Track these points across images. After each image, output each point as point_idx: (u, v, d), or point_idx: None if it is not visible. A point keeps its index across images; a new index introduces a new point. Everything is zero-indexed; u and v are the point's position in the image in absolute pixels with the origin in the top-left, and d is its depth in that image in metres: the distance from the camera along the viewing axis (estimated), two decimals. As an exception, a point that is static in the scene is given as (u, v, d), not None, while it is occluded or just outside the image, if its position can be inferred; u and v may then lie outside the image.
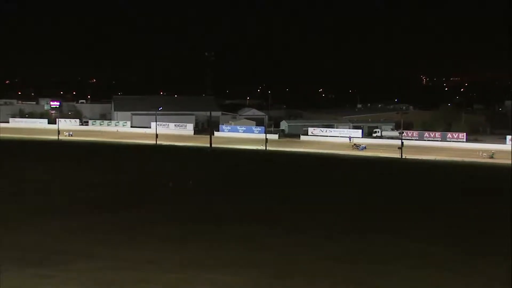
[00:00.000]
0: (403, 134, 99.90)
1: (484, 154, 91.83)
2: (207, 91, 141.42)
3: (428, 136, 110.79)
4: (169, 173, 66.56)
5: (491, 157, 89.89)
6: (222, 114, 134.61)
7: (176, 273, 31.02)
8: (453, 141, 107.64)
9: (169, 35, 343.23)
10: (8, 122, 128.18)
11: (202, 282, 29.88)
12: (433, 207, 51.59)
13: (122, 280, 29.82)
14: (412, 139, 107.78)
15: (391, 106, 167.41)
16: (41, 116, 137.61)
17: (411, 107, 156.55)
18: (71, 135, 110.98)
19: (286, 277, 31.00)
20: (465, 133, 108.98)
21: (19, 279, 29.53)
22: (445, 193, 59.04)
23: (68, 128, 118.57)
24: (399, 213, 48.79)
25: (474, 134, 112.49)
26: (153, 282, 29.72)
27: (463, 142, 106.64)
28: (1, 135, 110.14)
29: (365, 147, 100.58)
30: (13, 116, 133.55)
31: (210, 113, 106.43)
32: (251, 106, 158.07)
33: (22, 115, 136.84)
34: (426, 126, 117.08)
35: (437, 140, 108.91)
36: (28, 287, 28.57)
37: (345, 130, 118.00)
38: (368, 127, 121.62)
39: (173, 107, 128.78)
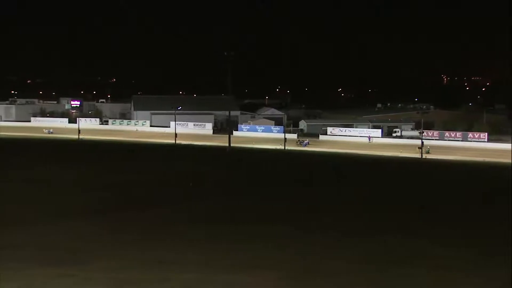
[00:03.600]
0: (423, 134, 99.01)
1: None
2: (227, 90, 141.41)
3: (448, 136, 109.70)
4: (188, 173, 66.71)
5: (428, 153, 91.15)
6: (241, 113, 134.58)
7: (194, 273, 31.04)
8: (474, 141, 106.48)
9: (189, 35, 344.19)
10: (29, 121, 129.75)
11: (220, 282, 29.85)
12: (450, 207, 51.08)
13: (141, 279, 29.92)
14: (433, 139, 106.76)
15: (411, 106, 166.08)
16: (62, 115, 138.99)
17: (431, 106, 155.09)
18: (51, 133, 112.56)
19: (303, 277, 30.85)
20: (486, 133, 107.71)
21: (40, 278, 29.80)
22: (462, 193, 58.36)
23: (88, 127, 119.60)
24: (416, 213, 48.36)
25: (495, 134, 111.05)
26: (172, 282, 29.78)
27: (485, 142, 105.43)
28: (23, 134, 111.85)
29: (308, 142, 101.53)
30: (35, 115, 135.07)
31: (229, 113, 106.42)
32: (270, 105, 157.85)
33: (43, 114, 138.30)
34: (447, 126, 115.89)
35: (458, 140, 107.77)
36: (49, 286, 28.78)
37: (365, 129, 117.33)
38: (388, 126, 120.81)
39: (192, 107, 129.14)
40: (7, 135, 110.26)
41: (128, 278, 30.01)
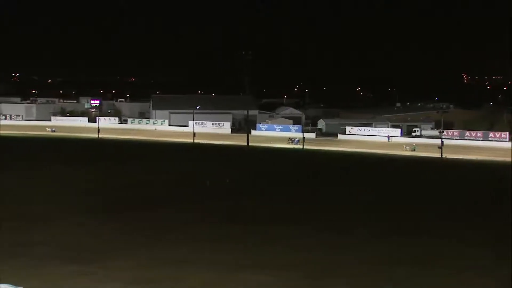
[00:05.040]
0: (443, 134, 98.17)
1: (407, 147, 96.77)
2: (245, 90, 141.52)
3: (469, 135, 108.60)
4: (206, 172, 66.85)
5: (413, 150, 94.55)
6: (259, 112, 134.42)
7: (211, 272, 31.10)
8: (495, 141, 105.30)
9: (206, 34, 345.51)
10: (50, 120, 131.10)
11: (236, 282, 29.91)
12: (472, 207, 50.56)
13: (158, 278, 30.08)
14: (453, 139, 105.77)
15: (431, 105, 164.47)
16: (81, 114, 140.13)
17: (451, 106, 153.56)
18: (54, 131, 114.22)
19: (319, 278, 30.83)
20: (507, 133, 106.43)
21: (60, 275, 30.09)
22: (483, 194, 57.64)
23: (107, 126, 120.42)
24: (436, 213, 47.95)
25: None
26: (189, 281, 29.89)
27: (506, 141, 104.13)
28: (43, 133, 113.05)
29: (298, 140, 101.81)
30: (55, 115, 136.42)
31: (247, 112, 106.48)
32: (288, 105, 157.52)
33: (63, 113, 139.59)
34: (468, 126, 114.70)
35: (479, 140, 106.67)
36: (68, 283, 29.05)
37: (384, 129, 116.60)
38: (407, 126, 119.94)
39: (210, 106, 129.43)
40: (30, 134, 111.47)
41: (146, 277, 30.18)
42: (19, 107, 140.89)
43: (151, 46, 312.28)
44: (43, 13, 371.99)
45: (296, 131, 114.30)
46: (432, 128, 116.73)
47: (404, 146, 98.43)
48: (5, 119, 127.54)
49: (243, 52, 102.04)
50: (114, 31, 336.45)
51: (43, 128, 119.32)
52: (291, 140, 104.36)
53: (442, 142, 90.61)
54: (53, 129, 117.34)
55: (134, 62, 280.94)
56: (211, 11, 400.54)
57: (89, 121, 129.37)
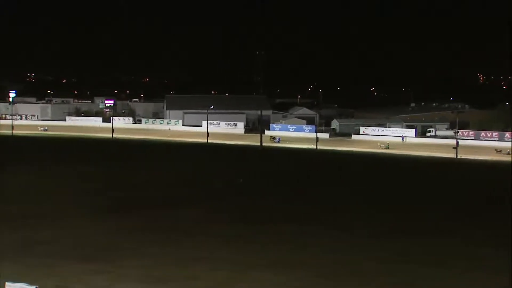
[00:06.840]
0: (458, 134, 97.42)
1: (381, 145, 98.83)
2: (259, 90, 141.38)
3: (484, 136, 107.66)
4: (218, 172, 66.91)
5: (387, 148, 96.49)
6: (273, 113, 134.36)
7: (224, 271, 31.12)
8: (511, 141, 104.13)
9: (220, 33, 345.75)
10: (65, 120, 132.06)
11: (249, 280, 29.90)
12: (481, 207, 50.15)
13: (172, 277, 30.15)
14: (468, 139, 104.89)
15: (446, 105, 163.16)
16: (96, 114, 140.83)
17: (467, 106, 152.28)
18: (46, 130, 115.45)
19: (330, 277, 30.76)
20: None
21: (74, 274, 30.22)
22: (495, 194, 56.95)
23: (121, 126, 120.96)
24: (445, 213, 47.63)
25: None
26: (202, 279, 29.91)
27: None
28: (59, 133, 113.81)
29: (279, 139, 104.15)
30: (70, 115, 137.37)
31: (261, 112, 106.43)
32: (302, 105, 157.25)
33: (78, 113, 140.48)
34: (483, 126, 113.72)
35: (494, 140, 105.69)
36: (82, 282, 29.15)
37: (398, 129, 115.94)
38: (422, 126, 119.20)
39: (224, 106, 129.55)
40: (51, 134, 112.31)
41: (160, 275, 30.25)
42: (35, 107, 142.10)
43: (163, 46, 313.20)
44: (52, 13, 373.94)
45: (310, 131, 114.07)
46: (447, 128, 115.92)
47: (379, 144, 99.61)
48: (21, 119, 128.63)
49: (257, 52, 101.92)
50: (122, 31, 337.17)
51: (57, 127, 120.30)
52: (272, 138, 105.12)
53: (457, 142, 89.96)
54: (45, 128, 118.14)
55: (147, 62, 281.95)
56: (215, 11, 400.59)
57: (103, 121, 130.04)
